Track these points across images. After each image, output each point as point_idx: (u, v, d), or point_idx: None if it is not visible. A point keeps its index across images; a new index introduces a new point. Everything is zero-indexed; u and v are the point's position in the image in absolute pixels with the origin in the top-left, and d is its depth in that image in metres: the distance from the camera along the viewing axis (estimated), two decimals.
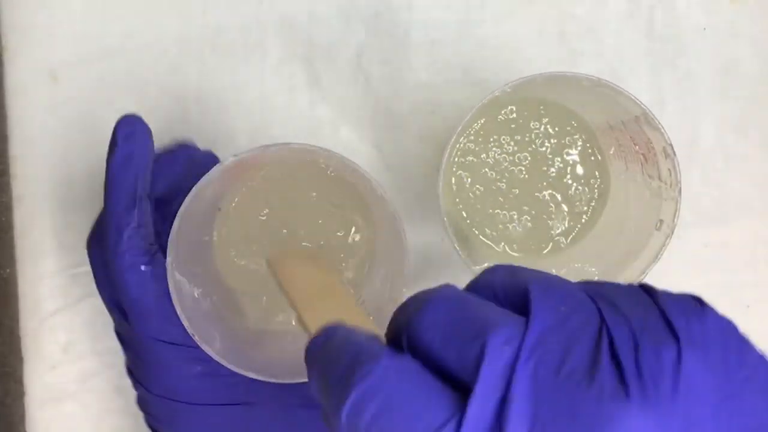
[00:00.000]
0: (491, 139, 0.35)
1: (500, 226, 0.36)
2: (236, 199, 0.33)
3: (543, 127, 0.35)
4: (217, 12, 0.37)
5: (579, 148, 0.35)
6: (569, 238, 0.36)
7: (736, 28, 0.38)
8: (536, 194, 0.36)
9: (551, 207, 0.36)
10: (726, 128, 0.39)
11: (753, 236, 0.39)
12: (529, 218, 0.36)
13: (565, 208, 0.36)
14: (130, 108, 0.37)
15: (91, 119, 0.37)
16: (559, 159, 0.35)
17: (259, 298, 0.33)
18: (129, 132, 0.30)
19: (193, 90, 0.37)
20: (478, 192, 0.35)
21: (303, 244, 0.33)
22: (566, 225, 0.36)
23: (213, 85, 0.37)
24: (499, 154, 0.35)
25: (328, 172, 0.32)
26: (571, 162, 0.35)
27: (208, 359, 0.28)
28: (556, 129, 0.35)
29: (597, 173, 0.35)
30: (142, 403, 0.32)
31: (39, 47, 0.37)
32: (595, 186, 0.36)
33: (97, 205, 0.37)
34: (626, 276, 0.31)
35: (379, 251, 0.33)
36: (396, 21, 0.38)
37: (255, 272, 0.33)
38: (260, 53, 0.37)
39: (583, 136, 0.35)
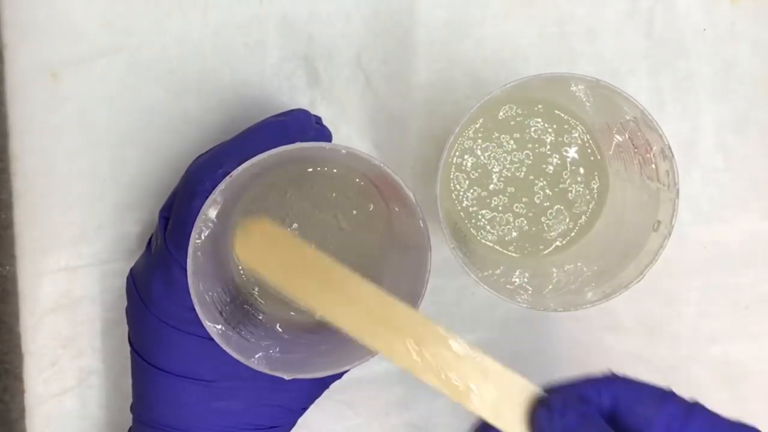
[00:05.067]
0: (492, 137, 0.35)
1: (498, 226, 0.36)
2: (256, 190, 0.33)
3: (542, 126, 0.35)
4: (217, 11, 0.37)
5: (577, 148, 0.35)
6: (567, 239, 0.36)
7: (735, 28, 0.38)
8: (535, 195, 0.36)
9: (550, 207, 0.36)
10: (726, 128, 0.39)
11: (752, 236, 0.39)
12: (526, 219, 0.36)
13: (563, 208, 0.36)
14: (130, 106, 0.37)
15: (91, 117, 0.37)
16: (557, 159, 0.35)
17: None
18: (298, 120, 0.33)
19: (194, 89, 0.37)
20: (476, 192, 0.35)
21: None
22: (565, 225, 0.36)
23: (213, 83, 0.37)
24: (498, 154, 0.35)
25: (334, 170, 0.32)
26: (569, 162, 0.35)
27: None
28: (555, 128, 0.35)
29: (596, 174, 0.35)
30: (135, 314, 0.32)
31: (39, 45, 0.37)
32: (594, 187, 0.36)
33: (98, 203, 0.37)
34: (624, 277, 0.31)
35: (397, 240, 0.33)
36: (396, 21, 0.38)
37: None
38: (260, 52, 0.37)
39: (582, 137, 0.35)
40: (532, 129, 0.35)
